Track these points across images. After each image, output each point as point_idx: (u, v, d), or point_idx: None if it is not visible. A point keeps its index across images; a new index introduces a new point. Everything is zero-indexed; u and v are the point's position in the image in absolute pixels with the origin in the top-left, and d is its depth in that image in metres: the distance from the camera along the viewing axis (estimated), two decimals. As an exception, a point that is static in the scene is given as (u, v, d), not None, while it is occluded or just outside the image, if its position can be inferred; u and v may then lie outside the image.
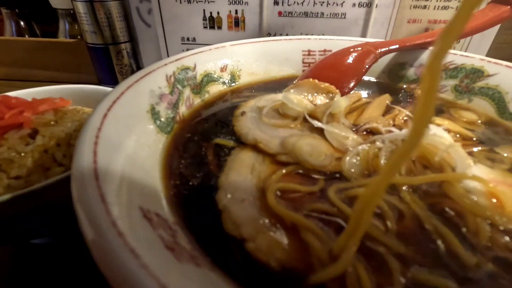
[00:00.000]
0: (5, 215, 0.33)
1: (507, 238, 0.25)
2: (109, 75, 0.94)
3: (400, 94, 0.54)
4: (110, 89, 0.58)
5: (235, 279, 0.21)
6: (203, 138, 0.40)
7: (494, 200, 0.28)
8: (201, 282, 0.18)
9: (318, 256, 0.23)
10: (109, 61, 0.92)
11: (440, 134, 0.35)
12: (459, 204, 0.28)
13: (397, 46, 0.53)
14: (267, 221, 0.27)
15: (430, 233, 0.26)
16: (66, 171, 0.38)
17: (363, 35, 0.76)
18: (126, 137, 0.31)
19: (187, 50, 0.88)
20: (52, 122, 0.41)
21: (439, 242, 0.25)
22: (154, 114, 0.38)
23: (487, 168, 0.33)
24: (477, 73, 0.49)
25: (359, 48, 0.52)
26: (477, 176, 0.29)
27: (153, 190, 0.29)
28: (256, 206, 0.28)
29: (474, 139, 0.40)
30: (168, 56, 0.91)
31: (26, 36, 1.13)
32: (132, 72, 0.96)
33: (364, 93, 0.56)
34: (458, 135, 0.40)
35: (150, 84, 0.40)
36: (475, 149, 0.37)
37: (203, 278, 0.19)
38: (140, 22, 0.89)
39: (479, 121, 0.45)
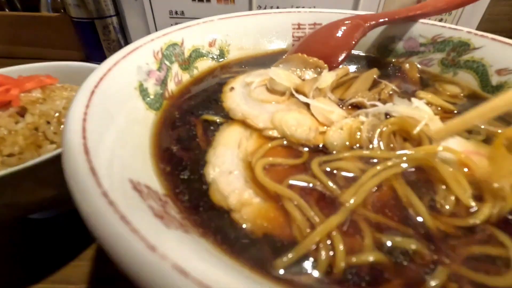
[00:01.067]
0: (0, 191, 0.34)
1: (472, 203, 0.27)
2: (96, 51, 0.92)
3: (389, 68, 0.55)
4: (97, 66, 0.58)
5: (222, 244, 0.23)
6: (192, 114, 0.40)
7: (466, 169, 0.30)
8: (189, 245, 0.20)
9: (298, 225, 0.25)
10: (96, 37, 0.89)
11: (421, 108, 0.36)
12: (432, 174, 0.30)
13: (386, 19, 0.53)
14: (252, 192, 0.28)
15: (402, 202, 0.28)
16: (58, 148, 0.38)
17: (355, 7, 0.75)
18: (115, 113, 0.31)
19: (176, 24, 0.86)
20: (40, 100, 0.41)
21: (410, 210, 0.27)
22: (142, 91, 0.39)
23: (463, 140, 0.35)
24: (463, 46, 0.50)
25: (348, 22, 0.52)
26: (450, 148, 0.31)
27: (144, 164, 0.30)
28: (242, 178, 0.30)
29: (455, 112, 0.41)
30: (156, 31, 0.89)
31: (6, 10, 1.07)
32: (121, 48, 0.93)
33: (353, 67, 0.56)
34: (439, 108, 0.41)
35: (137, 60, 0.40)
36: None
37: (191, 241, 0.21)
38: (126, -6, 0.85)
39: (462, 95, 0.46)
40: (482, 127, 0.38)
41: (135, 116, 0.35)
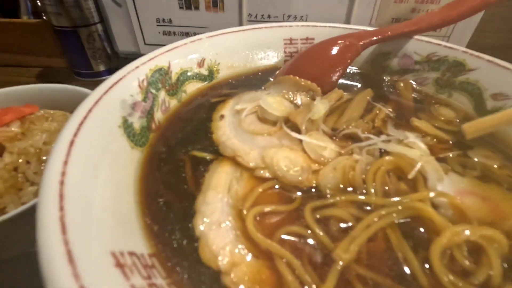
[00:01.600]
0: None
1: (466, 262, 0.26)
2: (81, 60, 0.88)
3: (383, 87, 0.54)
4: (80, 88, 0.55)
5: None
6: (180, 150, 0.39)
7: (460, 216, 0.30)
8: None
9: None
10: (80, 45, 0.85)
11: (417, 145, 0.35)
12: (429, 224, 0.29)
13: (380, 36, 0.51)
14: (243, 247, 0.27)
15: (397, 256, 0.27)
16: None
17: (348, 15, 0.73)
18: (98, 165, 0.29)
19: (163, 32, 0.83)
20: (19, 136, 0.39)
21: (405, 265, 0.26)
22: (127, 127, 0.37)
23: (458, 177, 0.34)
24: (458, 67, 0.49)
25: (341, 41, 0.50)
26: (443, 192, 0.30)
27: (129, 221, 0.28)
28: (233, 231, 0.29)
29: (450, 142, 0.40)
30: (143, 39, 0.86)
31: (-16, 14, 1.02)
32: (107, 56, 0.90)
33: (347, 84, 0.55)
34: (434, 139, 0.40)
35: (121, 93, 0.38)
36: (450, 154, 0.38)
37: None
38: (109, 1, 0.81)
39: (457, 120, 0.45)
40: (477, 160, 0.37)
41: (120, 161, 0.33)
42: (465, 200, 0.32)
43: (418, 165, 0.32)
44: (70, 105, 0.49)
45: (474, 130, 0.31)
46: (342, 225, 0.29)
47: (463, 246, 0.27)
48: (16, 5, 1.03)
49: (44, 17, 0.91)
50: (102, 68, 0.90)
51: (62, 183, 0.24)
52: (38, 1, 0.93)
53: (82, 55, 0.87)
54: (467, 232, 0.27)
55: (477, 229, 0.27)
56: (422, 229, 0.29)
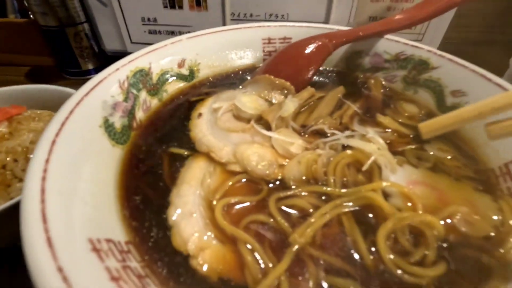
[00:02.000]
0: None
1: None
2: (69, 59, 0.90)
3: (355, 85, 0.57)
4: (65, 89, 0.57)
5: (177, 294, 0.26)
6: (159, 147, 0.41)
7: (409, 204, 0.33)
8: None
9: (250, 270, 0.27)
10: (67, 44, 0.86)
11: (376, 140, 0.39)
12: (379, 212, 0.32)
13: (351, 37, 0.54)
14: (211, 234, 0.31)
15: (347, 238, 0.30)
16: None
17: (328, 14, 0.75)
18: (79, 162, 0.32)
19: (149, 31, 0.85)
20: (6, 136, 0.42)
21: (354, 248, 0.30)
22: (108, 127, 0.39)
23: (411, 168, 0.38)
24: (423, 65, 0.52)
25: (314, 41, 0.53)
26: (394, 183, 0.34)
27: (108, 214, 0.31)
28: (202, 220, 0.32)
29: (411, 136, 0.44)
30: (130, 38, 0.87)
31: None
32: (94, 54, 0.91)
33: (322, 82, 0.58)
34: (395, 134, 0.43)
35: (102, 94, 0.40)
36: (407, 148, 0.41)
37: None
38: (95, 0, 0.83)
39: (420, 115, 0.48)
40: (431, 153, 0.40)
41: (101, 159, 0.36)
42: (415, 189, 0.35)
43: (372, 158, 0.35)
44: (56, 105, 0.51)
45: (429, 130, 0.33)
46: (302, 213, 0.33)
47: (406, 230, 0.30)
48: (2, 4, 1.04)
49: (31, 16, 0.92)
50: (90, 66, 0.92)
51: (44, 179, 0.27)
52: (24, 1, 0.94)
53: (69, 54, 0.88)
54: (410, 219, 0.30)
55: (418, 216, 0.31)
56: (372, 216, 0.33)
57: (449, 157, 0.40)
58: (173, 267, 0.28)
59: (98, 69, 0.94)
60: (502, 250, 0.29)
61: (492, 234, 0.31)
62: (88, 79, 0.40)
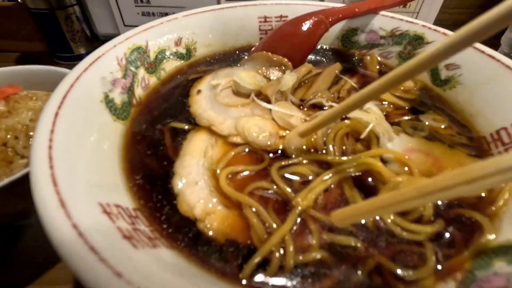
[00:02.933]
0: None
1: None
2: (61, 43, 0.88)
3: (351, 62, 0.57)
4: (61, 69, 0.57)
5: (190, 255, 0.27)
6: (160, 122, 0.42)
7: (406, 168, 0.34)
8: (155, 264, 0.23)
9: (256, 231, 0.29)
10: (58, 28, 0.85)
11: (373, 110, 0.39)
12: (378, 177, 0.33)
13: (347, 13, 0.54)
14: (216, 201, 0.31)
15: (348, 201, 0.32)
16: (29, 163, 0.39)
17: (323, -7, 0.75)
18: (83, 133, 0.33)
19: (142, 13, 0.83)
20: (5, 114, 0.41)
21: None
22: (108, 102, 0.40)
23: (407, 137, 0.39)
24: (418, 40, 0.52)
25: (310, 18, 0.53)
26: (391, 150, 0.35)
27: (114, 182, 0.32)
28: (207, 188, 0.33)
29: (406, 108, 0.45)
30: (122, 19, 0.86)
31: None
32: (86, 38, 0.89)
33: (318, 60, 0.58)
34: (391, 106, 0.44)
35: (101, 70, 0.40)
36: (404, 118, 0.42)
37: (158, 259, 0.24)
38: (86, -18, 0.81)
39: (415, 88, 0.49)
40: (426, 123, 0.42)
41: (104, 131, 0.36)
42: (411, 156, 0.36)
43: (370, 126, 0.36)
44: (52, 86, 0.51)
45: (340, 217, 0.28)
46: (303, 179, 0.34)
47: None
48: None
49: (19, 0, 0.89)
50: (82, 51, 0.90)
51: (50, 147, 0.27)
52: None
53: (61, 38, 0.86)
54: (406, 182, 0.32)
55: (414, 179, 0.32)
56: (371, 181, 0.34)
57: (443, 126, 0.41)
58: (181, 231, 0.29)
59: (91, 54, 0.93)
60: (493, 208, 0.31)
61: (483, 194, 0.33)
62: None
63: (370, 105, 0.40)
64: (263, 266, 0.27)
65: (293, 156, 0.37)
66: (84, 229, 0.21)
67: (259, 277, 0.26)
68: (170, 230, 0.29)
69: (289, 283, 0.26)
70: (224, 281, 0.26)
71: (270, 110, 0.42)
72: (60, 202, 0.23)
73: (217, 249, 0.28)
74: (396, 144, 0.38)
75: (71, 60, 0.90)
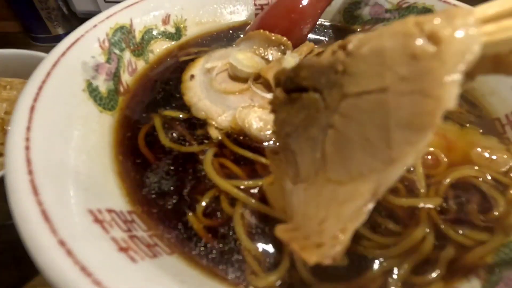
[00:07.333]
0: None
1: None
2: (35, 22, 0.80)
3: (354, 38, 0.53)
4: (37, 53, 0.51)
5: (191, 261, 0.24)
6: (152, 111, 0.38)
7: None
8: (157, 277, 0.20)
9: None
10: (32, 5, 0.77)
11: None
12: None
13: (351, -16, 0.50)
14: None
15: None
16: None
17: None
18: (65, 128, 0.29)
19: (124, -13, 0.76)
20: (-23, 107, 0.37)
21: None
22: (92, 91, 0.35)
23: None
24: (427, 13, 0.49)
25: (311, -10, 0.48)
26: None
27: (105, 182, 0.29)
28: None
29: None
30: (102, -5, 0.78)
31: None
32: (64, 17, 0.82)
33: (317, 40, 0.54)
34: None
35: (81, 54, 0.36)
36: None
37: (159, 272, 0.21)
38: (57, -48, 0.72)
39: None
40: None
41: (89, 125, 0.32)
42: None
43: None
44: (27, 72, 0.46)
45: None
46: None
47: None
48: None
49: (-16, -26, 0.80)
50: (60, 31, 0.83)
51: (27, 148, 0.24)
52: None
53: (35, 17, 0.79)
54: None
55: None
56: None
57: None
58: (181, 232, 0.27)
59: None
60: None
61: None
62: (58, 46, 0.35)
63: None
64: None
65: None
66: (72, 245, 0.19)
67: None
68: (170, 232, 0.27)
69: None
70: (231, 286, 0.24)
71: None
72: (43, 215, 0.20)
73: (218, 255, 0.26)
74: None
75: (49, 41, 0.83)
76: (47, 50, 0.57)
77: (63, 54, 0.34)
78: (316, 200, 0.19)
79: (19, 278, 0.42)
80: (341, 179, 0.17)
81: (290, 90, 0.21)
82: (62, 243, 0.19)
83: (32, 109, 0.27)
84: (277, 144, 0.24)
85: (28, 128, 0.25)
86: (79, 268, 0.18)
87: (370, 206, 0.16)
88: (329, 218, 0.17)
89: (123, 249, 0.21)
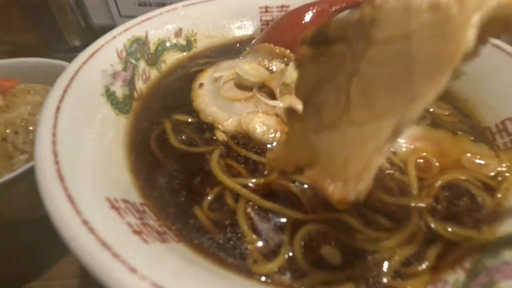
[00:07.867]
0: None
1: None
2: (55, 35, 0.85)
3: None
4: (58, 61, 0.55)
5: (198, 249, 0.27)
6: (163, 116, 0.41)
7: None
8: (166, 258, 0.23)
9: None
10: (52, 19, 0.82)
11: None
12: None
13: (351, 2, 0.53)
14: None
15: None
16: (30, 158, 0.39)
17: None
18: (86, 127, 0.32)
19: (139, 3, 0.81)
20: (3, 108, 0.40)
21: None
22: (110, 95, 0.39)
23: (413, 125, 0.39)
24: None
25: (314, 8, 0.52)
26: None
27: (120, 177, 0.31)
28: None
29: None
30: (118, 10, 0.84)
31: None
32: (81, 30, 0.87)
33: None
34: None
35: (101, 63, 0.39)
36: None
37: (168, 253, 0.24)
38: (79, -30, 0.78)
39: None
40: (431, 110, 0.42)
41: (106, 125, 0.35)
42: (419, 144, 0.37)
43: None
44: (48, 79, 0.49)
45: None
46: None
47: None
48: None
49: (10, -10, 0.87)
50: (77, 43, 0.88)
51: (54, 142, 0.27)
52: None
53: (55, 29, 0.84)
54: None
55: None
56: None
57: (446, 113, 0.42)
58: (188, 224, 0.29)
59: (86, 46, 0.90)
60: (499, 195, 0.31)
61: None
62: (76, 56, 0.38)
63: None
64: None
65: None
66: (94, 225, 0.21)
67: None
68: (178, 223, 0.29)
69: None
70: (234, 272, 0.26)
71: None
72: (68, 198, 0.22)
73: (224, 243, 0.28)
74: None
75: (66, 52, 0.88)
76: (65, 59, 0.61)
77: (85, 62, 0.37)
78: (340, 142, 0.20)
79: (19, 278, 0.44)
80: (364, 119, 0.18)
81: (318, 42, 0.22)
82: (85, 222, 0.21)
83: (58, 109, 0.30)
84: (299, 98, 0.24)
85: (55, 126, 0.28)
86: (100, 244, 0.20)
87: (391, 144, 0.16)
88: (353, 157, 0.18)
89: (137, 232, 0.24)
